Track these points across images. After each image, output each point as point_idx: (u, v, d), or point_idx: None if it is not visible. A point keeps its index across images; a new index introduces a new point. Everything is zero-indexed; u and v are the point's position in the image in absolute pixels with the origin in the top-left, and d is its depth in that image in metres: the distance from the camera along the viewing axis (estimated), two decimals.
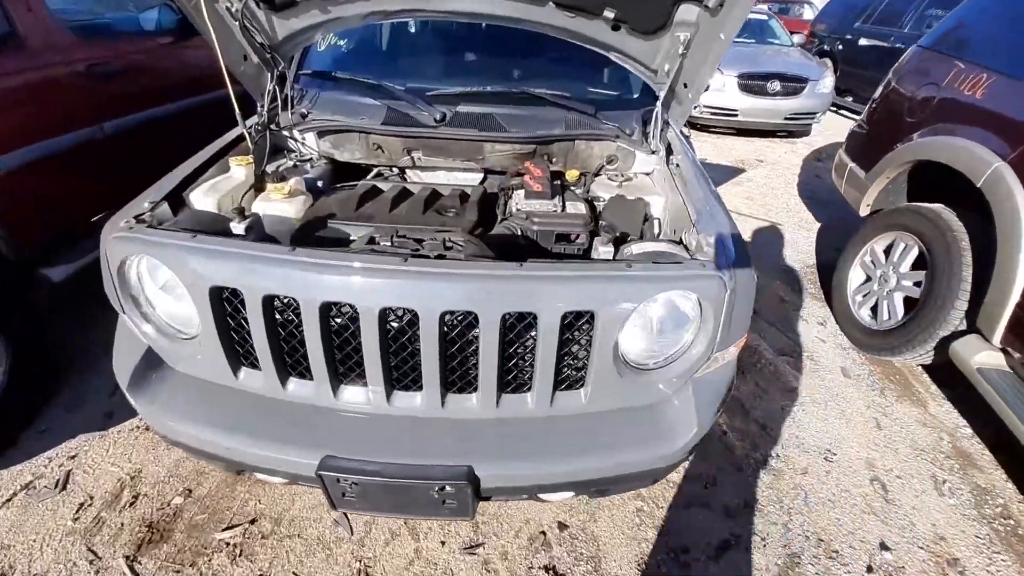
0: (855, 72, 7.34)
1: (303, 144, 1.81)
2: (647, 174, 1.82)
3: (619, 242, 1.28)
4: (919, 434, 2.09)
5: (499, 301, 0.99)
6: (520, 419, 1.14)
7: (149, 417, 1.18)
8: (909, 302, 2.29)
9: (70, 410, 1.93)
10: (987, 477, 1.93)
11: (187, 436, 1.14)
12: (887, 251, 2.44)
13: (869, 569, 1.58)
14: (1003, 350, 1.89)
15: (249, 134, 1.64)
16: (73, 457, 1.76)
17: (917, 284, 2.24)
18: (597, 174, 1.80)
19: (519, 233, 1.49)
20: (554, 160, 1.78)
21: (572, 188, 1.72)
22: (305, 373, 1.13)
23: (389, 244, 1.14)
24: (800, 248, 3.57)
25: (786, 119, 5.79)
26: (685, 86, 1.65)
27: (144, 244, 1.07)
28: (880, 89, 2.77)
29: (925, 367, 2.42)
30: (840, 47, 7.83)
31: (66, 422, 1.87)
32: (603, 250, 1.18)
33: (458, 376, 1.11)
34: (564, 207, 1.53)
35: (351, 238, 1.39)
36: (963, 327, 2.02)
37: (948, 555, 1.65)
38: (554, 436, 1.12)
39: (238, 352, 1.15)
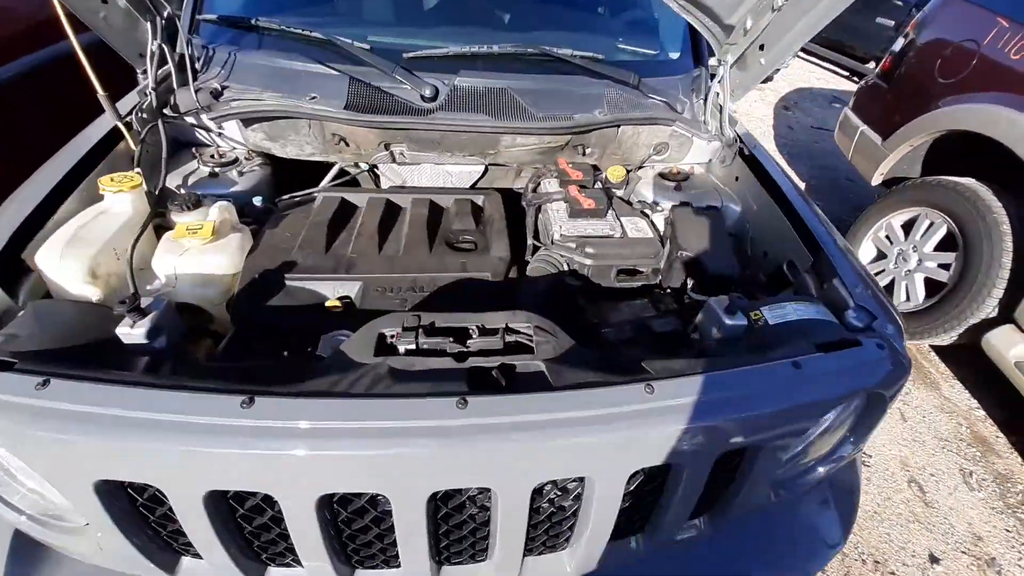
0: None
1: (220, 136, 1.21)
2: (700, 164, 1.42)
3: (747, 302, 0.85)
4: (940, 422, 2.06)
5: (622, 459, 0.61)
6: (623, 566, 0.81)
7: None
8: (930, 283, 2.18)
9: None
10: (1005, 463, 1.95)
11: None
12: (906, 227, 2.29)
13: None
14: None
15: (127, 126, 1.04)
16: None
17: (942, 266, 2.11)
18: (640, 168, 1.39)
19: (564, 268, 1.08)
20: (588, 151, 1.33)
21: (615, 191, 1.30)
22: (294, 563, 0.71)
23: (414, 346, 0.69)
24: None
25: None
26: (761, 48, 1.24)
27: None
28: (900, 42, 2.48)
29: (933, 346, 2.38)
30: None
31: None
32: (729, 322, 0.79)
33: (542, 540, 0.75)
34: (623, 229, 1.13)
35: (327, 302, 0.92)
36: (994, 315, 1.94)
37: (986, 555, 1.64)
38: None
39: (171, 543, 0.69)
